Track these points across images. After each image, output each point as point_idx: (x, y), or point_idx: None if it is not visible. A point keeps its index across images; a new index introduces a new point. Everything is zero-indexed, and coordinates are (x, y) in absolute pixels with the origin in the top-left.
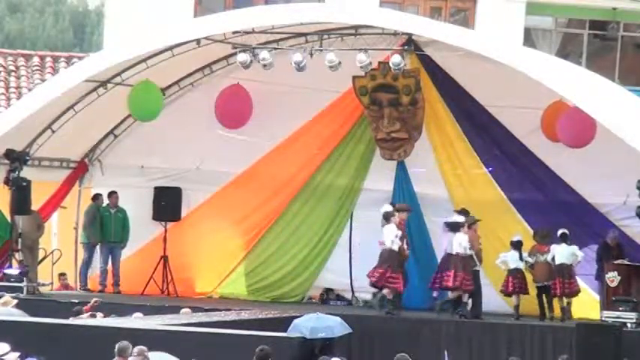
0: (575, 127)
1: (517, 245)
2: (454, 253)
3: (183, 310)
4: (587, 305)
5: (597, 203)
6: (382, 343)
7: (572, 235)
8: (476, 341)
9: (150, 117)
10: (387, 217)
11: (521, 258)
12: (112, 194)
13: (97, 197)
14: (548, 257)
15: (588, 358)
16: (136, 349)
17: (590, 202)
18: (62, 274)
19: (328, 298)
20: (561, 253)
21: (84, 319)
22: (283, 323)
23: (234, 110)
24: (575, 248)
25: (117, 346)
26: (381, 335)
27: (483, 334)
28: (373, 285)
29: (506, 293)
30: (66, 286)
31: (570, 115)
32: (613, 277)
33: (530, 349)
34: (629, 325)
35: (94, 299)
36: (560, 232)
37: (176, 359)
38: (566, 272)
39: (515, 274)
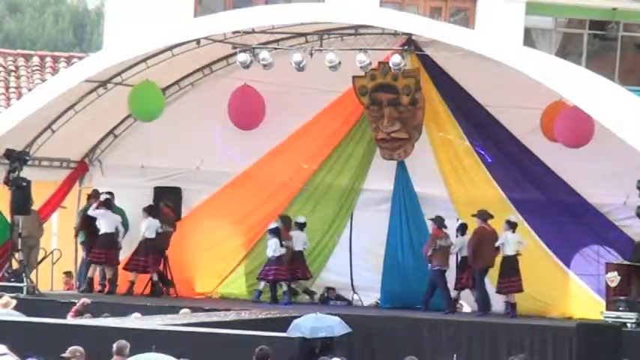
0: (572, 127)
1: (277, 232)
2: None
3: (182, 311)
4: (587, 305)
5: (597, 203)
6: (382, 343)
7: (572, 235)
8: (476, 341)
9: (151, 117)
10: None
11: (281, 245)
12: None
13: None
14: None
15: (588, 358)
16: (70, 349)
17: (590, 202)
18: (67, 273)
19: (328, 298)
20: (509, 241)
21: (84, 319)
22: (283, 323)
23: (248, 111)
24: (519, 236)
25: (115, 345)
26: (381, 335)
27: (483, 334)
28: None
29: (268, 280)
30: (70, 285)
31: (568, 115)
32: (613, 277)
33: (530, 349)
34: (629, 325)
35: (83, 299)
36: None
37: (171, 358)
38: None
39: (276, 261)
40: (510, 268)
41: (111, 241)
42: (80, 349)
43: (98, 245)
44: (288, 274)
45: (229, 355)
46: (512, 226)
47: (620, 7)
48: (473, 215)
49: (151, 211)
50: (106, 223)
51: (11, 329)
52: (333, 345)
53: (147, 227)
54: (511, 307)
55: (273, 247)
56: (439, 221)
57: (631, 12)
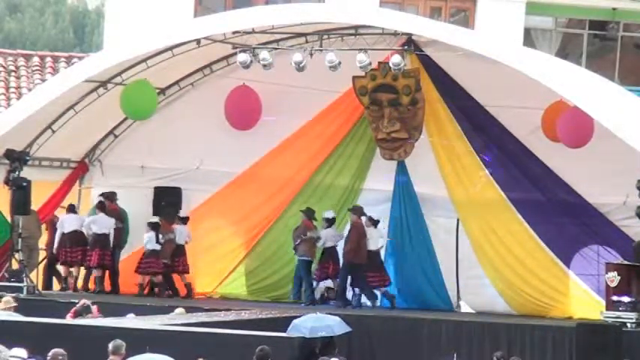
0: (573, 126)
1: (155, 226)
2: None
3: (177, 310)
4: (587, 305)
5: (597, 203)
6: (382, 343)
7: (572, 235)
8: (476, 341)
9: (143, 116)
10: None
11: (157, 240)
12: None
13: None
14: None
15: (588, 358)
16: (51, 353)
17: (590, 202)
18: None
19: (328, 298)
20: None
21: (85, 319)
22: (283, 323)
23: (244, 111)
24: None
25: (110, 344)
26: (381, 335)
27: (483, 334)
28: None
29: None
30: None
31: (568, 115)
32: (613, 277)
33: (531, 349)
34: (629, 325)
35: (83, 300)
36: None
37: (170, 358)
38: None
39: (151, 255)
40: (376, 262)
41: (77, 239)
42: (62, 351)
43: (62, 244)
44: (164, 267)
45: (229, 355)
46: (373, 222)
47: (620, 7)
48: (349, 209)
49: (102, 207)
50: (70, 223)
51: (11, 329)
52: (333, 345)
53: (92, 221)
54: (392, 299)
55: (145, 241)
56: (310, 213)
57: (631, 12)
